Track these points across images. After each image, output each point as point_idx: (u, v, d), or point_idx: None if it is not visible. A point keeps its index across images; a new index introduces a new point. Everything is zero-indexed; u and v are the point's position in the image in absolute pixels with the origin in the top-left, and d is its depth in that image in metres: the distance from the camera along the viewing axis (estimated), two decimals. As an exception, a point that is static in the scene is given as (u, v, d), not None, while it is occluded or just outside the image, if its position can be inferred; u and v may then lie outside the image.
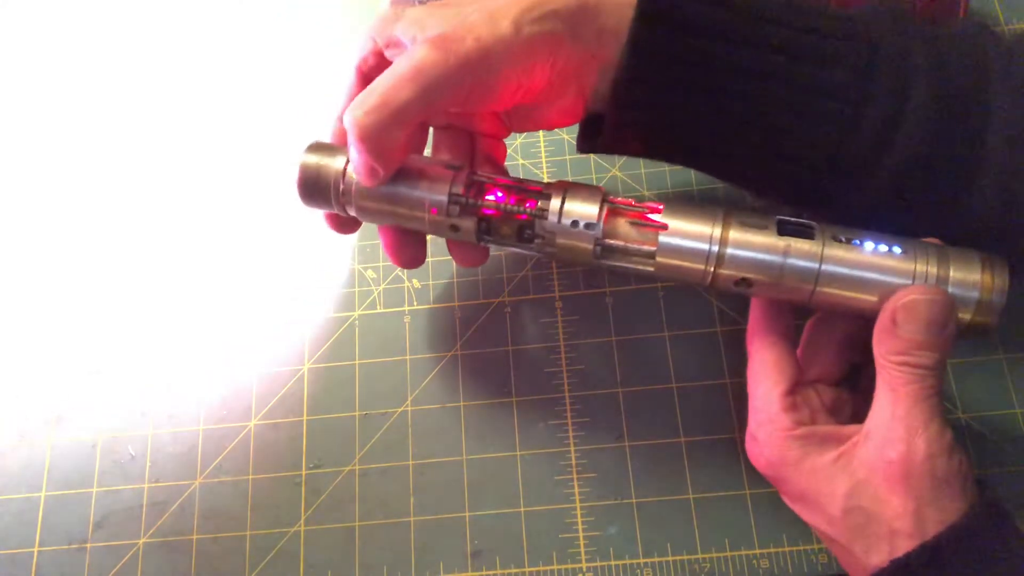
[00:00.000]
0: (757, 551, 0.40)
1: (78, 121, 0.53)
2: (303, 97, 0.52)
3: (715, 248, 0.33)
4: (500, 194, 0.36)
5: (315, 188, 0.36)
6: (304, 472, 0.43)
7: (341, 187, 0.36)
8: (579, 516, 0.41)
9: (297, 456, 0.44)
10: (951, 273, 0.32)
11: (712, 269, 0.33)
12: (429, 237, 0.42)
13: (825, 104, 0.33)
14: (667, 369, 0.43)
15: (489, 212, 0.36)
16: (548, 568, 0.41)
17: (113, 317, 0.47)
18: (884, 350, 0.32)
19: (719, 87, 0.33)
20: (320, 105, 0.51)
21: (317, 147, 0.37)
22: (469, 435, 0.43)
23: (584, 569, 0.40)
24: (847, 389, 0.36)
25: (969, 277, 0.32)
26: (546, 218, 0.35)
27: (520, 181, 0.37)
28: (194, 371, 0.46)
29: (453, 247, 0.40)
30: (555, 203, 0.34)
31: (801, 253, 0.32)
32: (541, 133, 0.49)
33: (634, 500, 0.41)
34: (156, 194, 0.50)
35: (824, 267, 0.32)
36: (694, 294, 0.45)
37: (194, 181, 0.50)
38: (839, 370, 0.36)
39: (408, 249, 0.39)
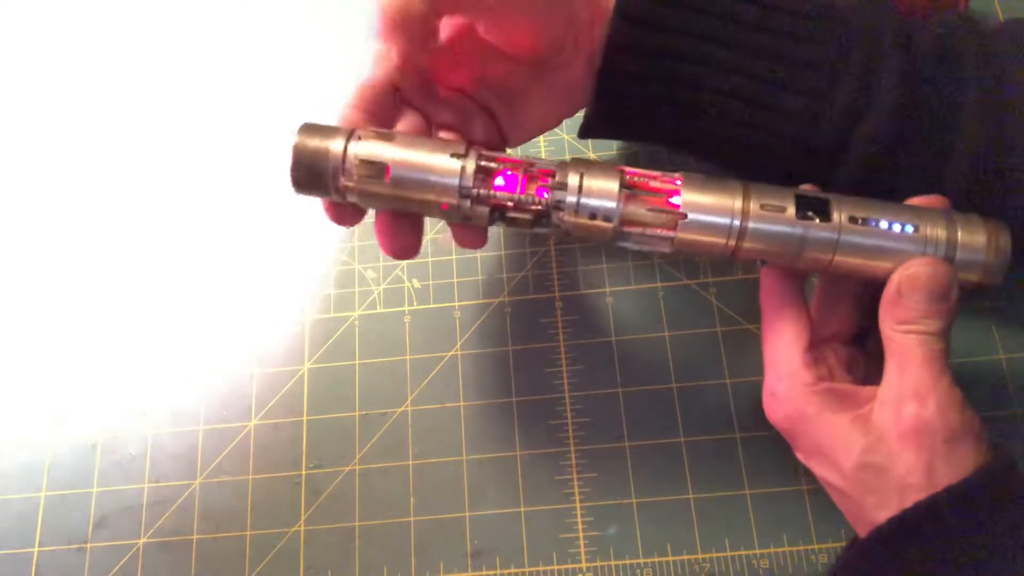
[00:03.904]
0: (757, 551, 0.40)
1: (79, 121, 0.53)
2: (306, 94, 0.52)
3: (736, 223, 0.33)
4: (510, 173, 0.35)
5: (311, 172, 0.34)
6: (304, 472, 0.43)
7: (342, 170, 0.34)
8: (579, 516, 0.41)
9: (297, 456, 0.44)
10: (959, 238, 0.33)
11: (734, 243, 0.34)
12: (425, 240, 0.41)
13: (798, 78, 0.35)
14: (667, 369, 0.43)
15: (503, 202, 0.34)
16: (548, 568, 0.41)
17: (113, 316, 0.47)
18: (891, 319, 0.33)
19: (695, 62, 0.36)
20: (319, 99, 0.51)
21: (310, 128, 0.34)
22: (469, 435, 0.43)
23: (584, 569, 0.40)
24: (859, 349, 0.37)
25: (975, 241, 0.33)
26: (563, 209, 0.34)
27: (531, 162, 0.35)
28: (194, 371, 0.46)
29: (456, 228, 0.38)
30: (571, 194, 0.34)
31: (819, 231, 0.33)
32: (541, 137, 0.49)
33: (634, 500, 0.41)
34: (157, 193, 0.50)
35: (842, 240, 0.33)
36: (694, 294, 0.45)
37: (195, 179, 0.50)
38: (850, 329, 0.37)
39: (403, 237, 0.37)
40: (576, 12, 0.36)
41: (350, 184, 0.34)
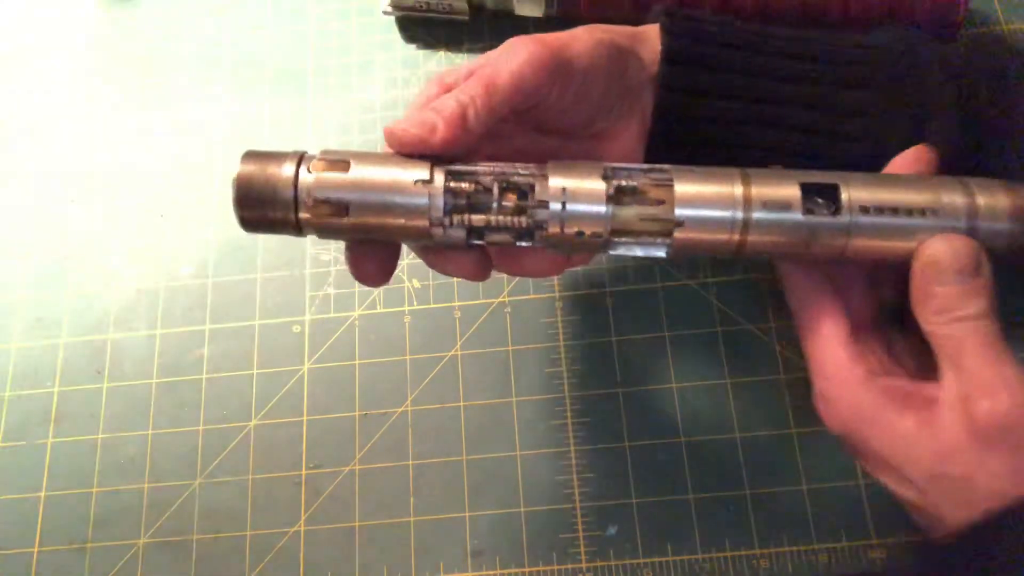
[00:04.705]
0: (757, 551, 0.40)
1: (83, 122, 0.53)
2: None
3: (739, 214, 0.31)
4: (485, 189, 0.31)
5: (260, 207, 0.31)
6: (304, 472, 0.43)
7: (295, 202, 0.30)
8: (579, 516, 0.41)
9: (297, 456, 0.44)
10: (979, 205, 0.31)
11: (737, 237, 0.31)
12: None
13: (847, 127, 0.34)
14: (667, 369, 0.43)
15: (479, 224, 0.31)
16: (548, 568, 0.41)
17: (113, 316, 0.47)
18: (927, 312, 0.30)
19: (744, 118, 0.35)
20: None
21: (255, 157, 0.31)
22: (469, 435, 0.43)
23: (584, 569, 0.40)
24: (897, 331, 0.34)
25: (997, 205, 0.31)
26: (546, 228, 0.31)
27: (506, 172, 0.32)
28: (194, 371, 0.46)
29: (432, 255, 0.34)
30: (555, 206, 0.31)
31: (829, 216, 0.31)
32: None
33: (634, 500, 0.41)
34: (159, 192, 0.50)
35: (855, 222, 0.31)
36: (694, 294, 0.45)
37: (195, 178, 0.50)
38: (872, 310, 0.34)
39: (374, 261, 0.33)
40: (629, 79, 0.34)
41: (306, 217, 0.31)
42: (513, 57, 0.31)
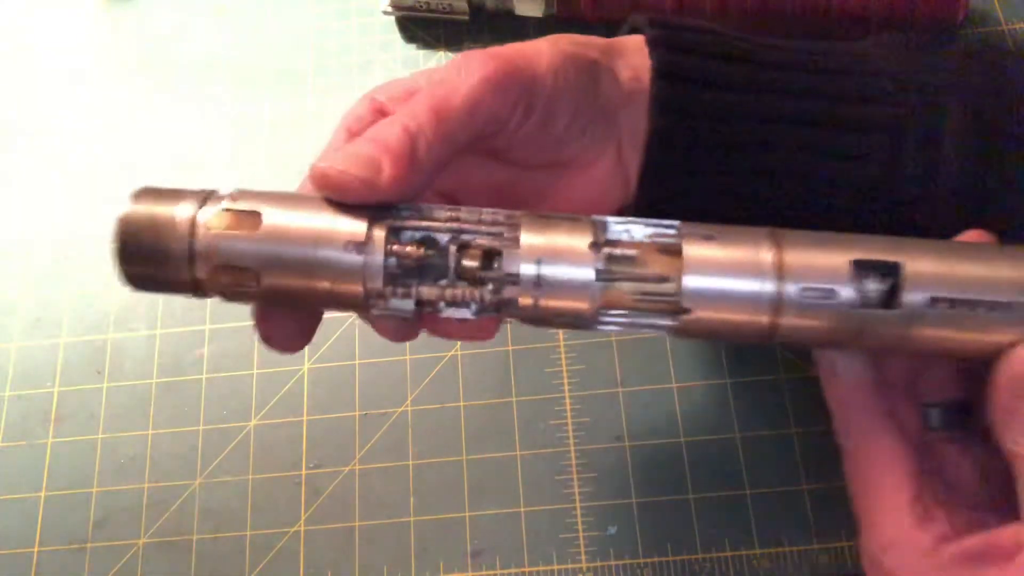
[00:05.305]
0: (757, 551, 0.40)
1: (84, 122, 0.53)
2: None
3: (769, 287, 0.24)
4: (438, 245, 0.25)
5: (146, 258, 0.25)
6: (304, 472, 0.43)
7: (189, 252, 0.24)
8: (579, 516, 0.41)
9: (297, 456, 0.44)
10: None
11: (767, 319, 0.24)
12: None
13: (863, 141, 0.31)
14: (667, 369, 0.43)
15: (430, 297, 0.25)
16: (548, 568, 0.41)
17: (113, 316, 0.47)
18: (1014, 432, 0.24)
19: (749, 140, 0.31)
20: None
21: (149, 194, 0.25)
22: (469, 435, 0.43)
23: (584, 569, 0.40)
24: (955, 436, 0.28)
25: None
26: (516, 307, 0.25)
27: (464, 228, 0.25)
28: (194, 371, 0.46)
29: (373, 320, 0.29)
30: (527, 276, 0.24)
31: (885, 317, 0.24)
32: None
33: (634, 500, 0.41)
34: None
35: (920, 313, 0.24)
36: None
37: (196, 178, 0.50)
38: (918, 423, 0.28)
39: (289, 323, 0.28)
40: (603, 100, 0.29)
41: (205, 280, 0.25)
42: (467, 76, 0.26)
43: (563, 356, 0.44)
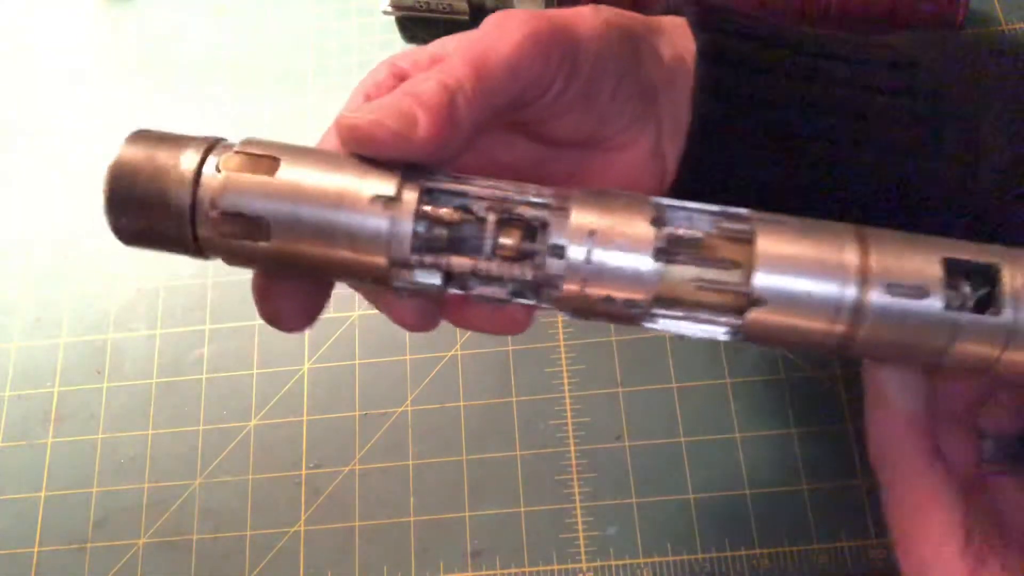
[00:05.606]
0: (757, 551, 0.40)
1: (88, 123, 0.53)
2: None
3: (850, 293, 0.21)
4: (475, 217, 0.22)
5: (142, 208, 0.21)
6: (304, 472, 0.43)
7: (192, 212, 0.21)
8: (579, 516, 0.41)
9: (297, 456, 0.44)
10: None
11: (842, 328, 0.21)
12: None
13: (901, 135, 0.28)
14: (667, 369, 0.43)
15: (463, 269, 0.22)
16: (548, 568, 0.41)
17: (113, 316, 0.47)
18: None
19: (788, 129, 0.28)
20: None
21: (146, 137, 0.22)
22: (469, 435, 0.43)
23: (584, 569, 0.40)
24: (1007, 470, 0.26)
25: None
26: (560, 286, 0.22)
27: (510, 198, 0.22)
28: (194, 371, 0.46)
29: (386, 302, 0.26)
30: (576, 255, 0.21)
31: (982, 320, 0.21)
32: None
33: (634, 500, 0.41)
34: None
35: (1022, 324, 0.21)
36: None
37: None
38: (973, 455, 0.26)
39: (293, 298, 0.25)
40: (645, 76, 0.27)
41: (208, 235, 0.22)
42: (508, 34, 0.24)
43: (563, 356, 0.44)
